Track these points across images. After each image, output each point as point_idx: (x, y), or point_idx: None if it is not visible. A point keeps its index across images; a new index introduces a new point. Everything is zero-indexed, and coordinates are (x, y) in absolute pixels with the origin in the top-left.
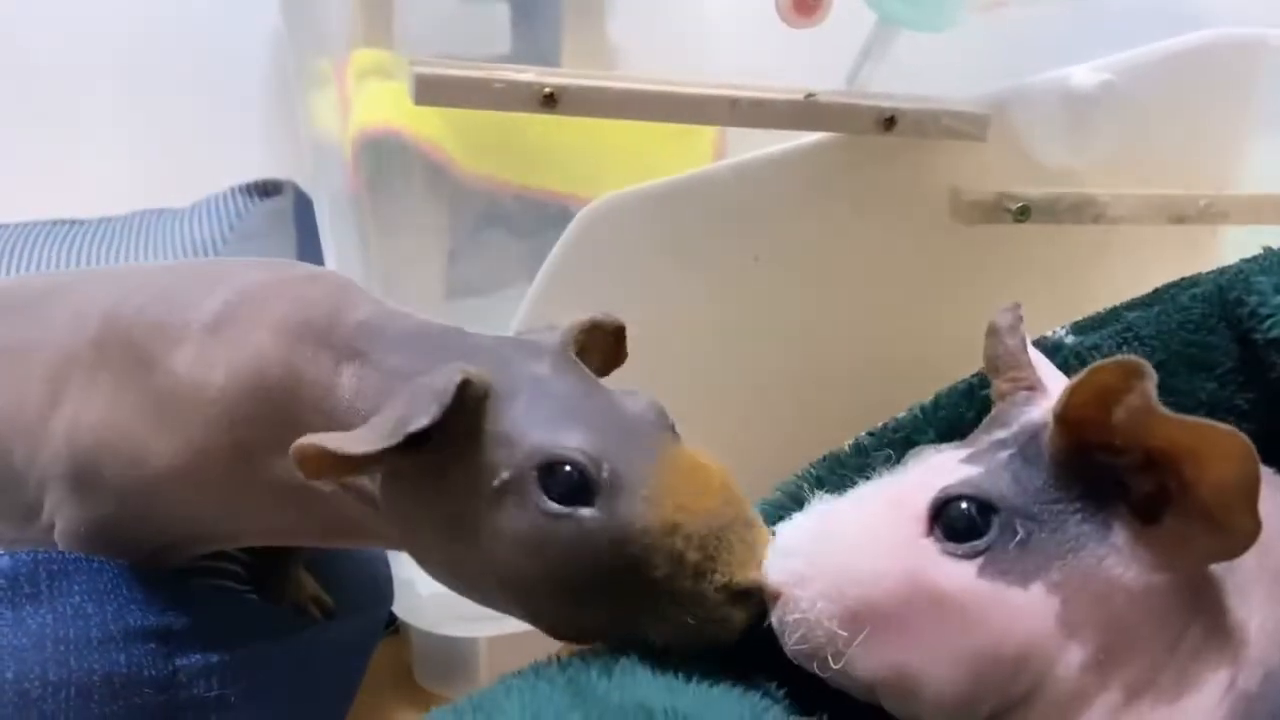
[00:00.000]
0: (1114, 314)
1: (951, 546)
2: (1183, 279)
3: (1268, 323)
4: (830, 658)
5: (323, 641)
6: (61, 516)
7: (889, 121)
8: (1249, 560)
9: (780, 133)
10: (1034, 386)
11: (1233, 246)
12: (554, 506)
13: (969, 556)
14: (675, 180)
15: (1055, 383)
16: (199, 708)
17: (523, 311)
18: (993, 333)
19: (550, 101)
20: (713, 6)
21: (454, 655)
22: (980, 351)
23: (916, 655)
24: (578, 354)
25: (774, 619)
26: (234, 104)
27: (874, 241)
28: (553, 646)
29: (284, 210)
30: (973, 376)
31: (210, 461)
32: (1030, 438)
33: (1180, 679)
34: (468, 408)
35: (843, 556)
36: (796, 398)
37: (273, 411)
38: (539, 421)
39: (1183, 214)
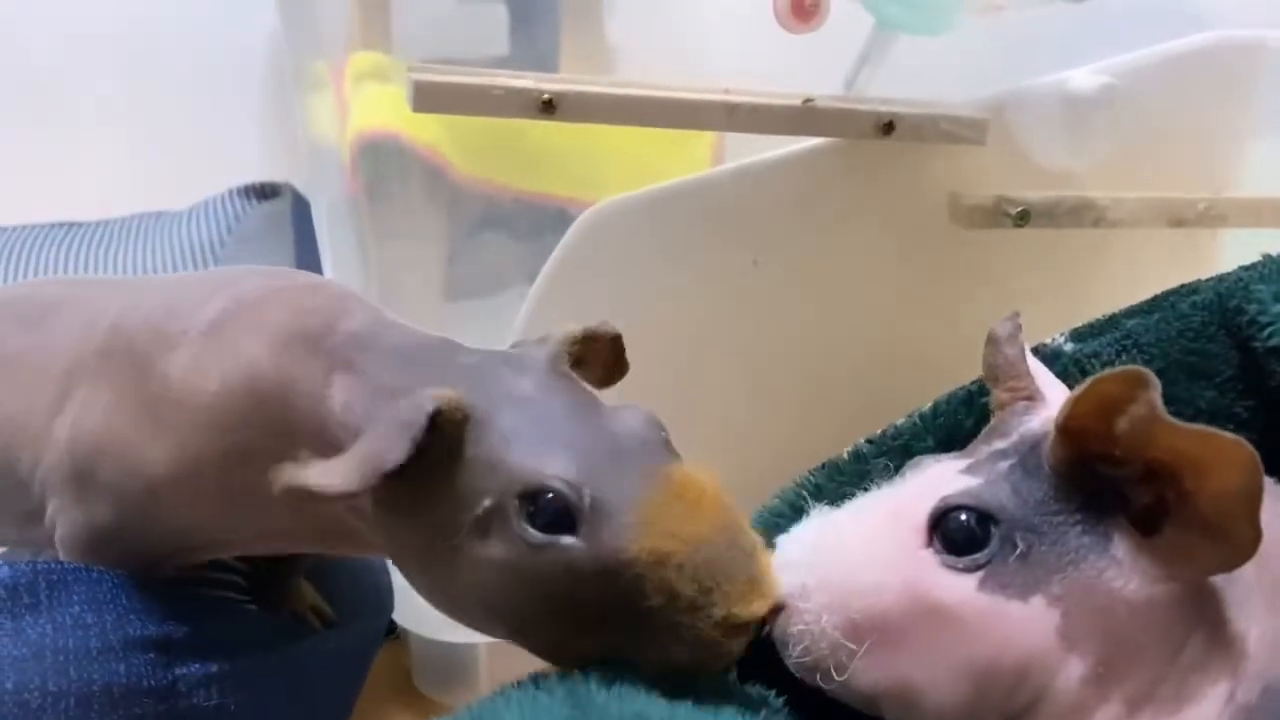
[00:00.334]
0: (1113, 321)
1: (951, 559)
2: (1182, 286)
3: (1267, 331)
4: (833, 670)
5: (323, 651)
6: (62, 522)
7: (888, 126)
8: (1248, 571)
9: (779, 137)
10: (1033, 396)
11: (1233, 249)
12: (537, 536)
13: (969, 570)
14: (674, 185)
15: (1054, 392)
16: (199, 717)
17: (522, 316)
18: (992, 342)
19: (549, 108)
20: (711, 7)
21: (453, 661)
22: (979, 356)
23: (917, 668)
24: (576, 366)
25: (775, 631)
26: (232, 106)
27: (873, 246)
28: None
29: (282, 213)
30: (971, 384)
31: (205, 467)
32: (1030, 448)
33: (1180, 691)
34: (446, 433)
35: (843, 569)
36: (795, 402)
37: (265, 418)
38: (519, 446)
39: (1182, 217)
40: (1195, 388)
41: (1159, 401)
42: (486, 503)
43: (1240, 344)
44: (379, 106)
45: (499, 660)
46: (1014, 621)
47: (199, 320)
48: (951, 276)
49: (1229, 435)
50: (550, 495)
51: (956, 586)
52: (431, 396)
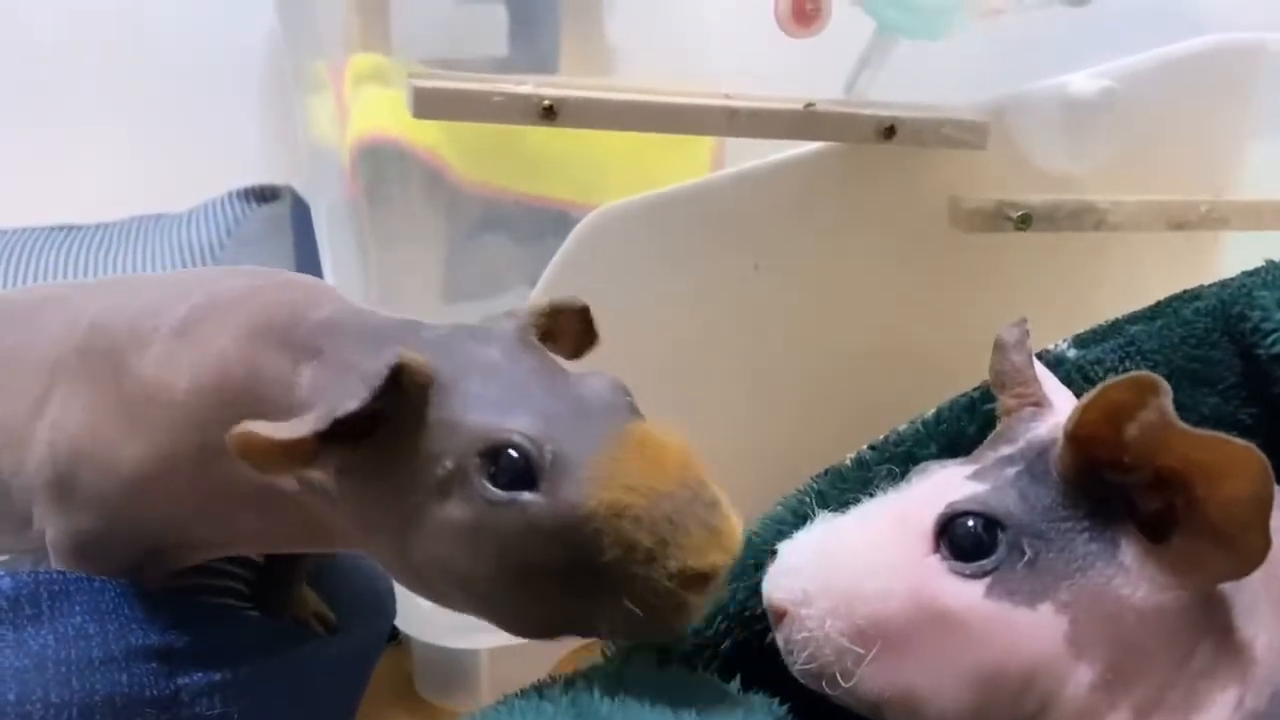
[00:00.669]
0: (1116, 327)
1: (958, 565)
2: (1185, 291)
3: (1270, 338)
4: (839, 676)
5: (324, 655)
6: (49, 527)
7: (888, 130)
8: (1255, 578)
9: (780, 141)
10: (1040, 402)
11: (1234, 252)
12: (497, 493)
13: (976, 576)
14: (675, 190)
15: (1061, 398)
16: None
17: None
18: (999, 348)
19: (550, 114)
20: (711, 8)
21: (455, 666)
22: (982, 361)
23: (923, 674)
24: (545, 339)
25: (779, 638)
26: (231, 108)
27: (874, 250)
28: (554, 657)
29: (282, 216)
30: (974, 390)
31: (181, 464)
32: (1038, 454)
33: (1189, 698)
34: (411, 396)
35: (849, 575)
36: (797, 407)
37: (237, 413)
38: (481, 406)
39: (1183, 220)
40: (1198, 394)
41: (1170, 408)
42: (448, 464)
43: (1243, 351)
44: (379, 110)
45: (500, 665)
46: (1022, 628)
47: (171, 318)
48: (952, 281)
49: (1240, 442)
50: (511, 451)
51: (963, 593)
52: (396, 353)
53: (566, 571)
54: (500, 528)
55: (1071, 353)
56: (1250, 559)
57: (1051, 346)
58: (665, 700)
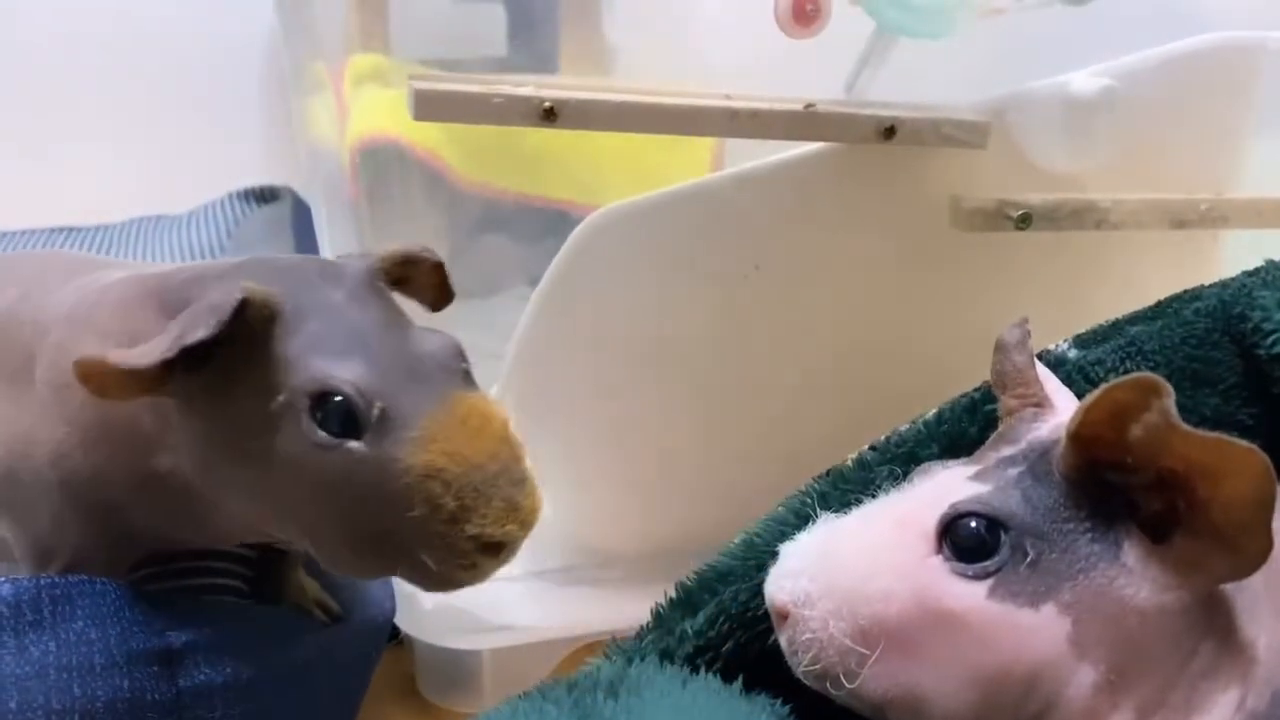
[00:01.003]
0: (1116, 327)
1: (961, 566)
2: (1185, 291)
3: (1271, 339)
4: (842, 677)
5: (326, 650)
6: (13, 541)
7: (889, 130)
8: (1256, 579)
9: (780, 141)
10: (1041, 403)
11: (1235, 250)
12: (322, 436)
13: (979, 577)
14: (676, 190)
15: (1062, 399)
16: None
17: (524, 323)
18: (1000, 348)
19: (550, 116)
20: (711, 8)
21: (457, 667)
22: (983, 361)
23: (927, 676)
24: (399, 285)
25: (783, 640)
26: (231, 109)
27: (874, 250)
28: (556, 657)
29: (282, 216)
30: (976, 390)
31: (93, 447)
32: (1040, 455)
33: (1191, 699)
34: (253, 327)
35: (851, 576)
36: (798, 407)
37: None
38: (319, 349)
39: (1184, 218)
40: (1199, 395)
41: (1173, 409)
42: (281, 398)
43: (1244, 351)
44: (379, 111)
45: (503, 666)
46: (1024, 629)
47: (63, 305)
48: (953, 280)
49: (1243, 443)
50: (338, 399)
51: (966, 594)
52: (242, 286)
53: (374, 518)
54: (321, 469)
55: (1072, 353)
56: (1252, 560)
57: (1052, 347)
58: (668, 701)
